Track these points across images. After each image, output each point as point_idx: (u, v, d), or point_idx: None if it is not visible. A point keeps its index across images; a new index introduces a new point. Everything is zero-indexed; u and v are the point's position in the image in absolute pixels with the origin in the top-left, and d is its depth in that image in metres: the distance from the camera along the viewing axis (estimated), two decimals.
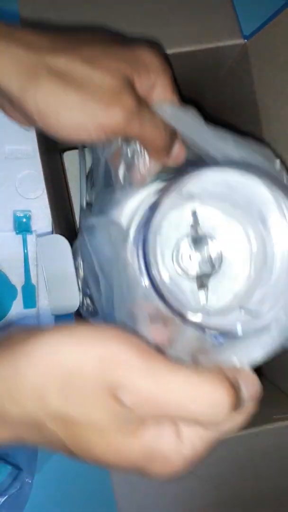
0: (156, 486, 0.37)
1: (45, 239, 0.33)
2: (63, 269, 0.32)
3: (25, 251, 0.46)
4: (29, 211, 0.46)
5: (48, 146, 0.40)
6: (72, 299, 0.33)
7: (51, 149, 0.43)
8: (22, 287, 0.47)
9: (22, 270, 0.46)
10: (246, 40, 0.32)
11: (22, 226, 0.46)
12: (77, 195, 0.51)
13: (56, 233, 0.32)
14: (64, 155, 0.51)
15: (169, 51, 0.32)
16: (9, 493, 0.44)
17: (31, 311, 0.47)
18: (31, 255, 0.46)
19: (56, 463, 0.52)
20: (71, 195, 0.51)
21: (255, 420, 0.35)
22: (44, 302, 0.47)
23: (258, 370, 0.43)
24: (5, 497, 0.44)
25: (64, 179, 0.51)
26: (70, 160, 0.51)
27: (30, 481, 0.46)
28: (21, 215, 0.46)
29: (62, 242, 0.32)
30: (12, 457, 0.46)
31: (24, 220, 0.46)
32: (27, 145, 0.46)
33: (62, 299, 0.33)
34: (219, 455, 0.37)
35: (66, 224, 0.44)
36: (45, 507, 0.52)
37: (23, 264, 0.46)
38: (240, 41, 0.32)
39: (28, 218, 0.46)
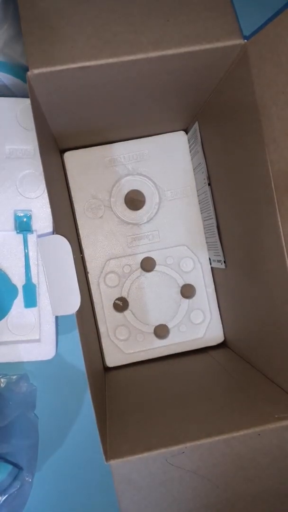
0: (158, 485, 0.37)
1: (46, 239, 0.33)
2: (64, 269, 0.32)
3: (26, 250, 0.46)
4: (30, 210, 0.46)
5: (48, 146, 0.40)
6: (73, 299, 0.33)
7: (52, 149, 0.43)
8: (23, 286, 0.47)
9: (23, 269, 0.46)
10: (245, 41, 0.32)
11: (23, 225, 0.46)
12: (78, 195, 0.51)
13: (57, 233, 0.32)
14: (64, 155, 0.51)
15: (169, 52, 0.32)
16: (9, 492, 0.44)
17: (32, 310, 0.47)
18: (31, 254, 0.46)
19: (57, 462, 0.53)
20: (72, 195, 0.51)
21: (257, 419, 0.35)
22: (45, 301, 0.47)
23: (261, 370, 0.43)
24: (5, 496, 0.44)
25: (65, 179, 0.51)
26: (71, 160, 0.51)
27: (30, 480, 0.47)
28: (22, 214, 0.46)
29: (63, 242, 0.32)
30: (12, 456, 0.46)
31: (25, 219, 0.46)
32: (28, 145, 0.46)
33: (63, 300, 0.33)
34: (221, 454, 0.37)
35: (67, 224, 0.44)
36: (45, 506, 0.52)
37: (24, 263, 0.46)
38: (240, 41, 0.32)
39: (29, 217, 0.46)
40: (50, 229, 0.47)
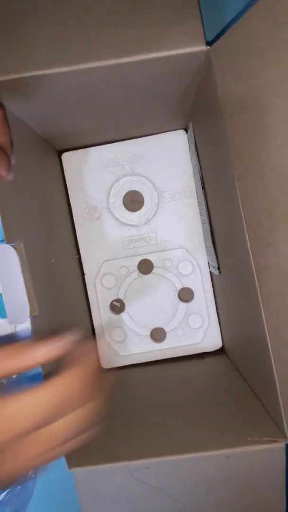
0: (123, 500, 0.37)
1: None
2: (13, 280, 0.32)
3: None
4: None
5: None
6: (24, 310, 0.32)
7: (36, 150, 0.43)
8: None
9: None
10: (208, 47, 0.29)
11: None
12: (77, 196, 0.50)
13: (7, 241, 0.31)
14: (62, 156, 0.50)
15: (126, 60, 0.30)
16: (11, 488, 0.45)
17: (6, 320, 0.47)
18: None
19: (60, 462, 0.53)
20: (69, 196, 0.51)
21: (230, 440, 0.34)
22: None
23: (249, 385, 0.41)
24: (8, 491, 0.45)
25: (63, 180, 0.51)
26: (68, 161, 0.50)
27: (33, 476, 0.47)
28: None
29: (9, 252, 0.32)
30: None
31: None
32: None
33: (16, 310, 0.33)
34: (189, 473, 0.36)
35: (39, 228, 0.42)
36: (49, 505, 0.53)
37: None
38: (202, 48, 0.29)
39: None
40: None
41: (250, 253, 0.32)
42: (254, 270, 0.32)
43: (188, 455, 0.34)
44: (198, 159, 0.45)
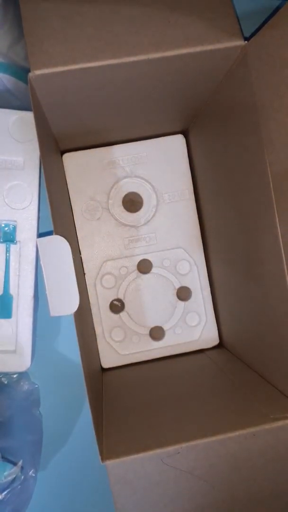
0: (154, 486, 0.37)
1: (45, 239, 0.33)
2: (63, 270, 0.32)
3: (7, 261, 0.46)
4: (15, 221, 0.46)
5: (49, 147, 0.40)
6: (72, 300, 0.33)
7: (53, 150, 0.43)
8: (0, 297, 0.46)
9: (3, 279, 0.46)
10: (246, 42, 0.32)
11: (7, 236, 0.46)
12: (76, 197, 0.51)
13: (55, 233, 0.32)
14: (63, 157, 0.51)
15: (170, 53, 0.32)
16: (11, 488, 0.43)
17: (9, 321, 0.46)
18: (13, 265, 0.46)
19: (60, 461, 0.52)
20: (70, 196, 0.51)
21: (253, 419, 0.35)
22: (23, 313, 0.46)
23: (257, 371, 0.43)
24: (7, 492, 0.43)
25: (64, 180, 0.51)
26: (69, 161, 0.51)
27: (34, 475, 0.46)
28: (6, 225, 0.46)
29: (62, 243, 0.32)
30: (15, 450, 0.45)
31: (9, 230, 0.46)
32: (18, 156, 0.46)
33: (61, 300, 0.33)
34: (216, 455, 0.37)
35: (66, 225, 0.44)
36: (50, 505, 0.52)
37: (3, 274, 0.46)
38: (240, 42, 0.32)
39: (13, 228, 0.46)
40: (34, 241, 0.47)
41: (280, 238, 0.34)
42: (283, 253, 0.34)
43: (217, 436, 0.35)
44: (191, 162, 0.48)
